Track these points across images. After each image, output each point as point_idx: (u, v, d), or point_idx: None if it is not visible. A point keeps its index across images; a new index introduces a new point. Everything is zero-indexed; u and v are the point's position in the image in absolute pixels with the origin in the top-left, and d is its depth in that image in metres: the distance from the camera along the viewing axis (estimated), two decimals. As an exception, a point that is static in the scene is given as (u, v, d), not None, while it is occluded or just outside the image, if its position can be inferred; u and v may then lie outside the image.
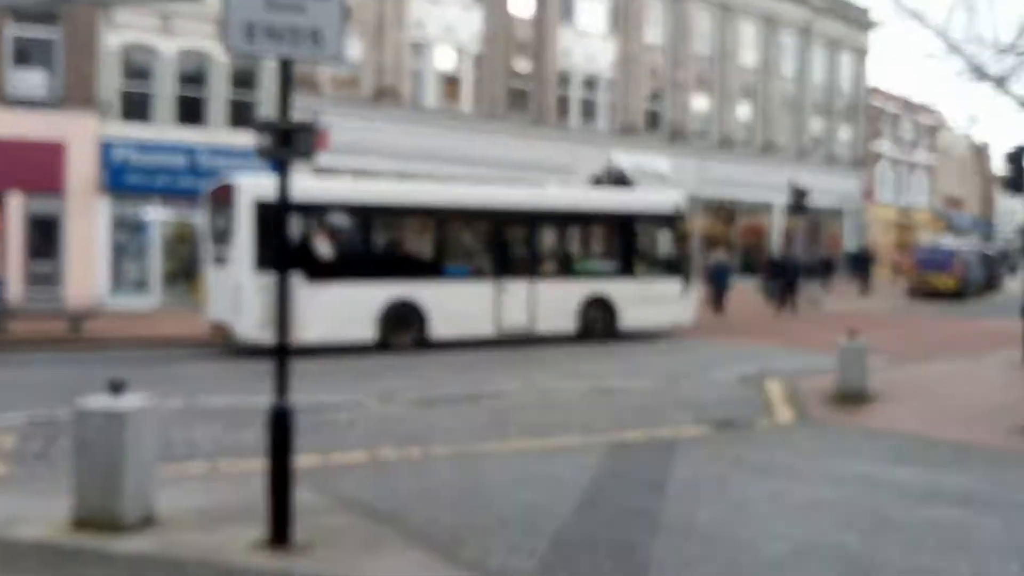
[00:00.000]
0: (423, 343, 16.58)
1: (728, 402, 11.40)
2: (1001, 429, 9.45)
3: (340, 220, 17.25)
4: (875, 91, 44.01)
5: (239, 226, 15.40)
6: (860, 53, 44.05)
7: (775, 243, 36.56)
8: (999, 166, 31.66)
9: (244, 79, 23.96)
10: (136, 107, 23.02)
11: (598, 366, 14.68)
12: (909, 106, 50.48)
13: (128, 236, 23.14)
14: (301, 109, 22.85)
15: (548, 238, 19.21)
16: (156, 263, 23.42)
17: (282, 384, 5.63)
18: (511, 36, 30.03)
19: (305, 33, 5.47)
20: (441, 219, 17.78)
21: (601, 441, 8.88)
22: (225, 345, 15.88)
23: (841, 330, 12.08)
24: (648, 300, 18.79)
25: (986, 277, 37.79)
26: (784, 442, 8.89)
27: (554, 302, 17.88)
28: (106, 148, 22.05)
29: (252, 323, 14.76)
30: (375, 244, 17.37)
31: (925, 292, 33.58)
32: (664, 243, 20.32)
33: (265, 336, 14.28)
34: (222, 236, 16.24)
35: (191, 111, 23.51)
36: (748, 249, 37.53)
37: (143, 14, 22.43)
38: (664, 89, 35.57)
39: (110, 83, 22.21)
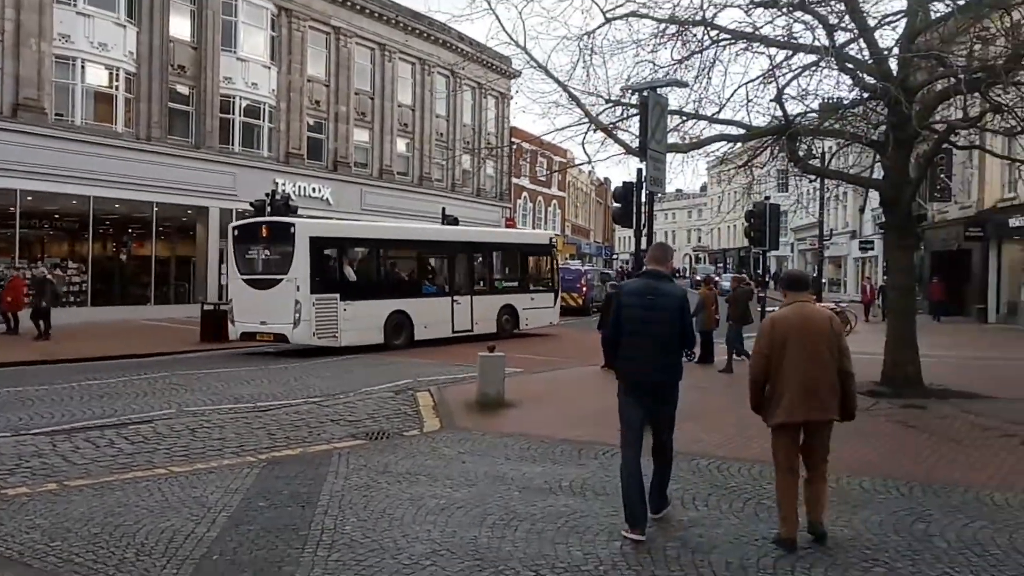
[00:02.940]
0: (412, 343, 20.69)
1: (382, 414, 11.46)
2: (612, 427, 10.35)
3: (360, 252, 21.36)
4: (516, 131, 47.04)
5: (297, 257, 18.54)
6: (503, 97, 47.01)
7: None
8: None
9: None
10: None
11: (258, 389, 14.14)
12: (543, 146, 54.60)
13: None
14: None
15: (480, 263, 24.55)
16: None
17: None
18: (170, 57, 28.29)
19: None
20: (421, 249, 22.91)
21: (254, 460, 8.53)
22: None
23: (485, 345, 12.68)
24: (535, 308, 25.08)
25: (606, 296, 41.64)
26: (429, 449, 9.07)
27: (484, 310, 23.32)
28: None
29: (308, 332, 18.47)
30: (381, 270, 21.53)
31: (557, 309, 36.28)
32: (543, 267, 26.65)
33: (315, 341, 18.66)
34: (271, 264, 19.39)
35: None
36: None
37: None
38: (326, 120, 35.45)
39: None
